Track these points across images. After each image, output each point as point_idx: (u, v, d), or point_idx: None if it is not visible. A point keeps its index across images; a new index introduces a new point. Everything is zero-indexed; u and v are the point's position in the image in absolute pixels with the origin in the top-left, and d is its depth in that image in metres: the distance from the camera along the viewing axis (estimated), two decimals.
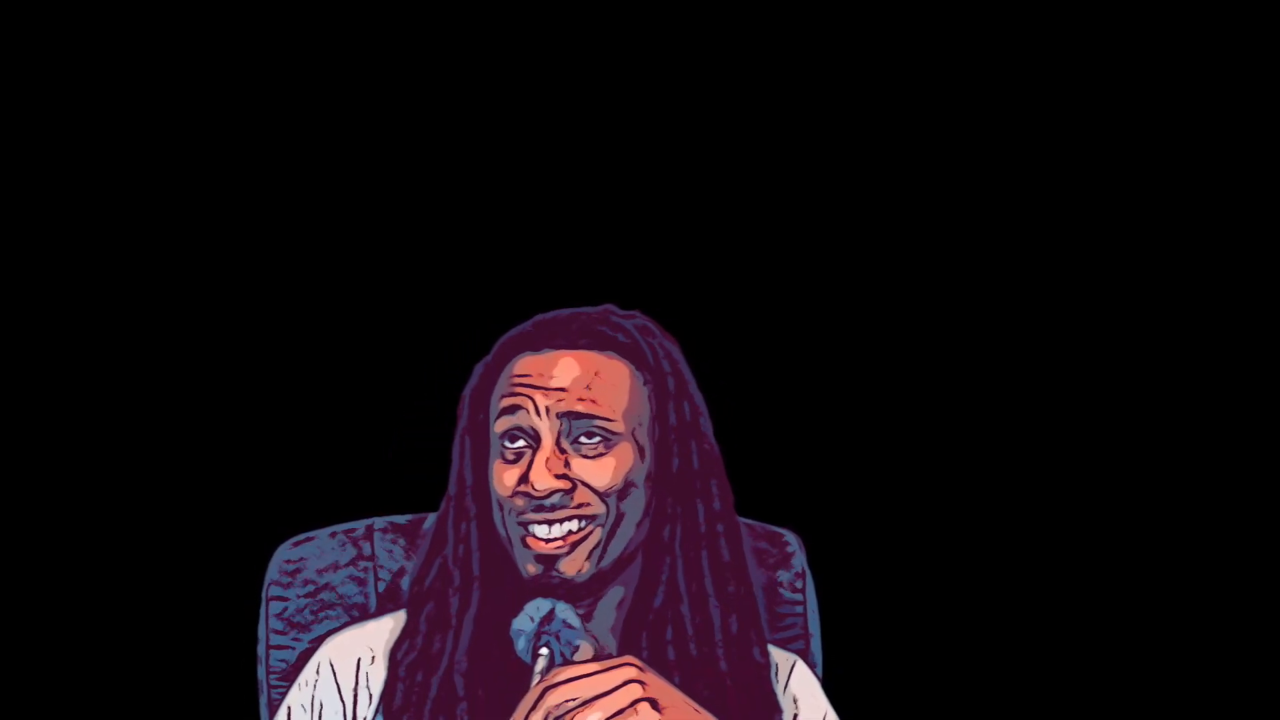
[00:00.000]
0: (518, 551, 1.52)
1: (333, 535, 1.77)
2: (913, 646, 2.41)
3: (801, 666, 1.64)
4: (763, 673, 1.56)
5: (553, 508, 1.50)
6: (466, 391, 1.60)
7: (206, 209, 2.37)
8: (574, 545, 1.50)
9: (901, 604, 2.41)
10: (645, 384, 1.56)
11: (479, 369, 1.60)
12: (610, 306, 1.60)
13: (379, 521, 1.78)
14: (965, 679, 2.40)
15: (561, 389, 1.51)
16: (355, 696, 1.56)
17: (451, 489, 1.59)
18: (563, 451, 1.51)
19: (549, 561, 1.50)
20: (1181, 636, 2.40)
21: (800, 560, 1.78)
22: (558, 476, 1.49)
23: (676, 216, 2.42)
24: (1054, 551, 2.42)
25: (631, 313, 1.60)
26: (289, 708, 1.58)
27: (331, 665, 1.58)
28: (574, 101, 2.41)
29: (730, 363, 2.39)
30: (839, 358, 2.43)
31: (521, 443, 1.52)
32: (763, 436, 2.36)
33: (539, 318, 1.59)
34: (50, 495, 2.34)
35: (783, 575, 1.77)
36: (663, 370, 1.57)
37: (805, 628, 1.77)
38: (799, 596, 1.77)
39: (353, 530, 1.77)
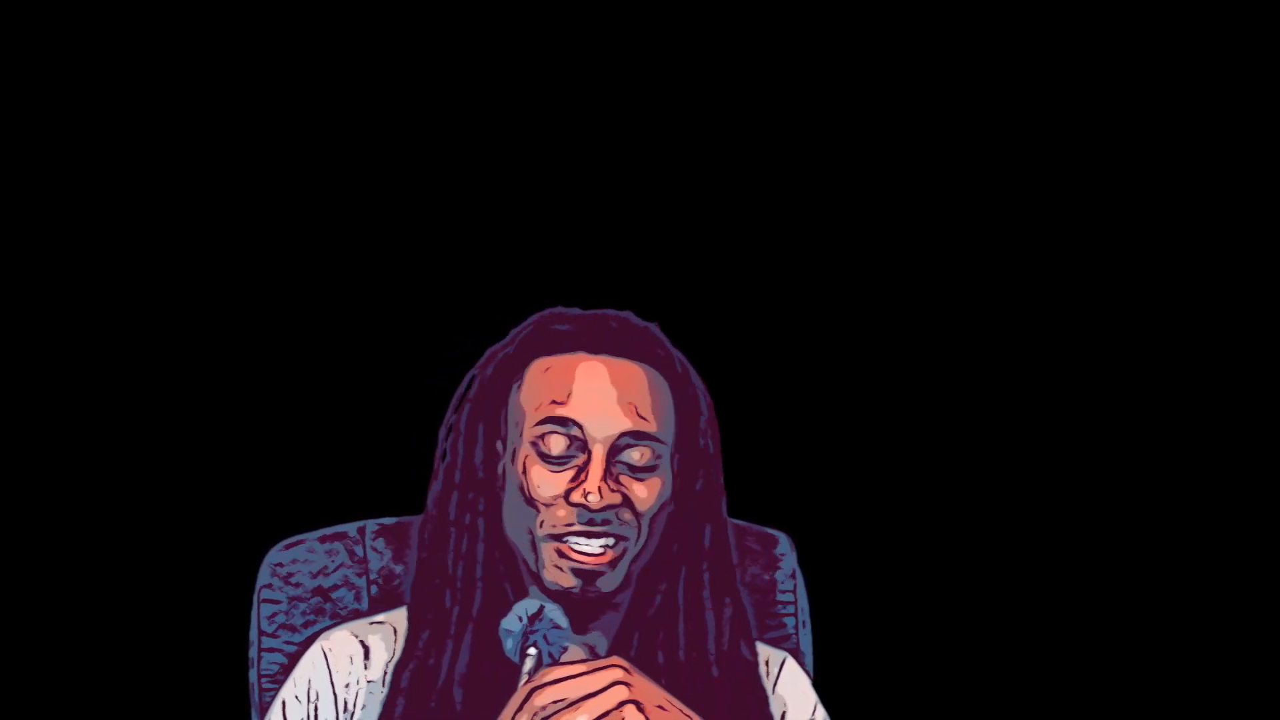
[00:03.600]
0: (548, 559, 1.49)
1: (323, 539, 1.77)
2: (903, 646, 2.41)
3: (791, 663, 1.64)
4: (752, 670, 1.56)
5: (603, 522, 1.48)
6: (486, 372, 1.55)
7: (201, 215, 2.36)
8: (614, 562, 1.49)
9: (892, 604, 2.41)
10: (676, 403, 1.54)
11: (502, 352, 1.55)
12: (630, 313, 1.57)
13: (370, 524, 1.78)
14: (955, 678, 2.41)
15: (621, 404, 1.49)
16: (347, 691, 1.56)
17: (457, 478, 1.55)
18: (614, 468, 1.49)
19: (590, 577, 1.48)
20: (1174, 631, 2.40)
21: (791, 561, 1.79)
22: (612, 490, 1.48)
23: (669, 218, 2.42)
24: (1045, 551, 2.42)
25: (651, 323, 1.58)
26: (284, 701, 1.57)
27: (326, 658, 1.57)
28: (566, 101, 2.41)
29: (722, 364, 2.39)
30: (830, 360, 2.43)
31: (569, 451, 1.49)
32: (754, 438, 2.36)
33: (554, 313, 1.56)
34: (43, 498, 2.33)
35: (774, 576, 1.77)
36: (696, 391, 1.56)
37: (796, 628, 1.77)
38: (790, 597, 1.78)
39: (343, 533, 1.77)
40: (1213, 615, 2.40)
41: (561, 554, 1.49)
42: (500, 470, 1.54)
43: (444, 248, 2.40)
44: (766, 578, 1.77)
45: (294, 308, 2.37)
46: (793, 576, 1.78)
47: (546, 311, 1.58)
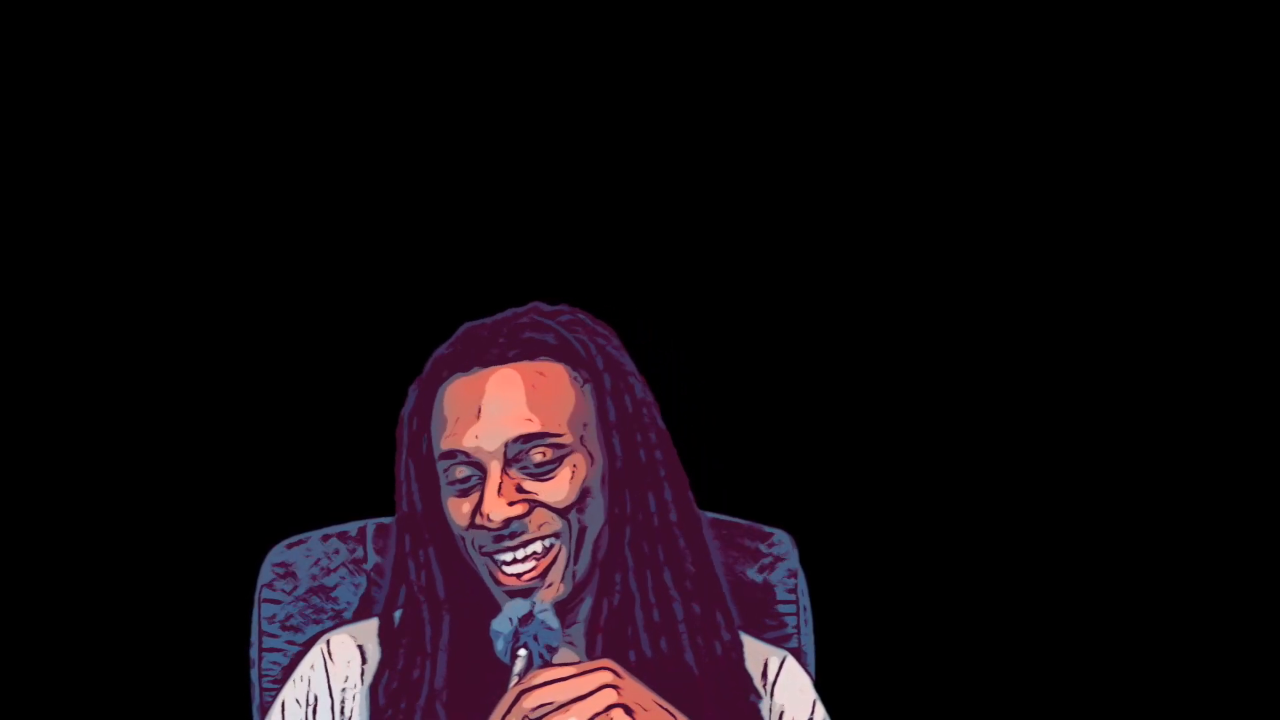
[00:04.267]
0: (491, 586, 1.49)
1: (325, 538, 1.76)
2: (905, 645, 2.40)
3: (791, 662, 1.63)
4: (732, 653, 1.54)
5: (513, 534, 1.47)
6: (404, 414, 1.55)
7: (199, 215, 2.36)
8: (545, 571, 1.48)
9: (894, 603, 2.41)
10: (585, 382, 1.52)
11: (414, 390, 1.55)
12: (536, 305, 1.56)
13: (371, 523, 1.78)
14: (957, 678, 2.40)
15: (499, 415, 1.47)
16: (344, 694, 1.56)
17: (403, 515, 1.55)
18: (513, 475, 1.47)
19: (526, 594, 1.48)
20: (1174, 629, 2.40)
21: (792, 559, 1.78)
22: (511, 503, 1.46)
23: (667, 218, 2.42)
24: (1046, 550, 2.42)
25: (559, 308, 1.56)
26: (283, 702, 1.57)
27: (325, 661, 1.57)
28: (570, 102, 2.41)
29: (722, 364, 2.39)
30: (830, 359, 2.43)
31: (469, 474, 1.48)
32: (755, 437, 2.36)
33: (465, 329, 1.55)
34: (44, 497, 2.33)
35: (775, 575, 1.77)
36: (596, 366, 1.52)
37: (798, 627, 1.77)
38: (791, 596, 1.77)
39: (345, 532, 1.77)
40: (1213, 615, 2.40)
41: (497, 580, 1.49)
42: (439, 498, 1.54)
43: (443, 248, 2.39)
44: (767, 576, 1.77)
45: (295, 308, 2.37)
46: (794, 575, 1.78)
47: (458, 330, 1.57)
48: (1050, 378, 2.43)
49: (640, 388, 1.55)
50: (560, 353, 1.52)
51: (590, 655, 1.53)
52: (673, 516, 1.54)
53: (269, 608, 1.73)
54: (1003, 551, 2.41)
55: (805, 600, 1.78)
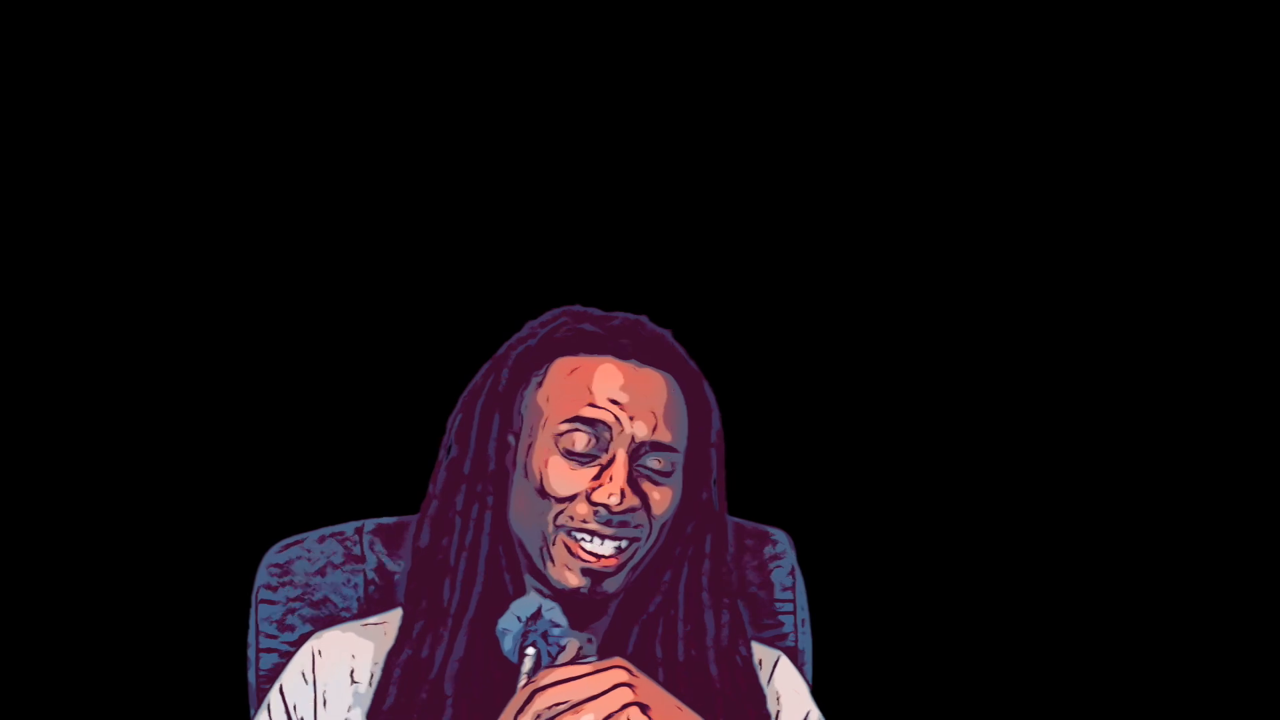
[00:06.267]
0: (558, 555, 1.49)
1: (322, 539, 1.76)
2: (902, 645, 2.41)
3: (785, 662, 1.64)
4: (749, 668, 1.56)
5: (621, 524, 1.49)
6: (505, 365, 1.56)
7: (200, 216, 2.36)
8: (623, 565, 1.50)
9: (891, 603, 2.41)
10: (690, 413, 1.56)
11: (522, 346, 1.56)
12: (645, 319, 1.58)
13: (368, 524, 1.78)
14: (954, 677, 2.41)
15: (651, 413, 1.50)
16: (329, 692, 1.55)
17: (466, 468, 1.55)
18: (634, 470, 1.50)
19: (598, 578, 1.49)
20: (1174, 625, 2.40)
21: (790, 559, 1.78)
22: (632, 495, 1.48)
23: (667, 217, 2.42)
24: (1044, 550, 2.42)
25: (665, 329, 1.59)
26: (269, 704, 1.57)
27: (314, 659, 1.57)
28: (572, 102, 2.41)
29: (721, 363, 2.39)
30: (829, 358, 2.43)
31: (590, 451, 1.49)
32: (753, 436, 2.36)
33: (599, 316, 1.56)
34: (40, 497, 2.33)
35: (773, 575, 1.77)
36: (709, 403, 1.58)
37: (795, 626, 1.77)
38: (789, 595, 1.77)
39: (341, 533, 1.77)
40: (1212, 615, 2.40)
41: (571, 551, 1.49)
42: (509, 463, 1.54)
43: (443, 248, 2.39)
44: (764, 576, 1.77)
45: (294, 308, 2.37)
46: (792, 574, 1.78)
47: (567, 309, 1.58)
48: (1048, 376, 2.43)
49: (720, 429, 1.60)
50: (687, 378, 1.56)
51: (608, 648, 1.54)
52: (722, 551, 1.58)
53: (266, 608, 1.73)
54: (1001, 551, 2.42)
55: (803, 600, 1.78)
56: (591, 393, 1.50)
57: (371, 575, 1.75)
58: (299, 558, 1.75)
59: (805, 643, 1.77)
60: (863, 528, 2.41)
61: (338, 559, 1.75)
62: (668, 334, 1.58)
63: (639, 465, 1.50)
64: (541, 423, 1.52)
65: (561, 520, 1.49)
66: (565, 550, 1.49)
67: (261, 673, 1.72)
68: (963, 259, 2.43)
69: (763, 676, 1.61)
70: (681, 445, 1.53)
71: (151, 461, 2.35)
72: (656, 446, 1.50)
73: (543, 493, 1.49)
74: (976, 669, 2.41)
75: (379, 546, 1.75)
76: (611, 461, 1.49)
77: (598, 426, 1.49)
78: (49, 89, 2.33)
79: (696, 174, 2.42)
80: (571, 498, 1.49)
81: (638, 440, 1.49)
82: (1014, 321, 2.43)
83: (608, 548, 1.48)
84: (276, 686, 1.58)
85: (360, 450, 2.34)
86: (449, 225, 2.40)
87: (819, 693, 1.66)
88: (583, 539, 1.48)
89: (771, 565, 1.77)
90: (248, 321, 2.37)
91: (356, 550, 1.76)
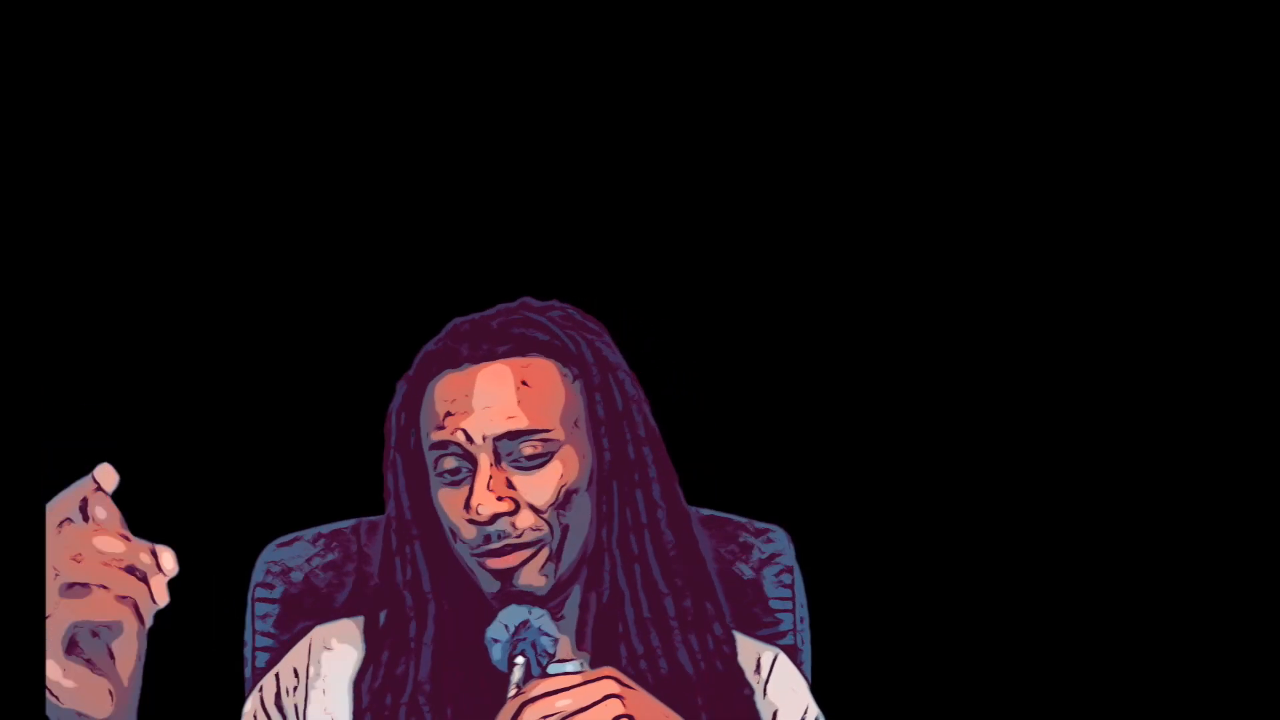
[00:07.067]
0: (478, 575, 1.50)
1: (318, 537, 1.76)
2: (901, 642, 2.40)
3: (784, 660, 1.63)
4: (725, 647, 1.55)
5: (500, 537, 1.47)
6: (392, 410, 1.56)
7: (198, 216, 2.36)
8: (526, 560, 1.48)
9: (890, 600, 2.41)
10: (576, 379, 1.52)
11: (402, 385, 1.56)
12: (526, 300, 1.57)
13: (364, 522, 1.78)
14: (953, 675, 2.40)
15: (488, 409, 1.48)
16: (316, 688, 1.55)
17: (390, 511, 1.56)
18: (503, 469, 1.48)
19: (506, 576, 1.48)
20: (1173, 624, 2.40)
21: (789, 556, 1.78)
22: (499, 499, 1.46)
23: (660, 213, 2.42)
24: (1042, 547, 2.42)
25: (549, 304, 1.57)
26: (260, 696, 1.57)
27: (308, 652, 1.57)
28: (559, 101, 2.40)
29: (718, 360, 2.39)
30: (827, 355, 2.43)
31: (459, 466, 1.49)
32: (751, 433, 2.36)
33: (455, 324, 1.55)
34: (40, 497, 2.32)
35: (771, 571, 1.77)
36: (586, 361, 1.53)
37: (794, 624, 1.76)
38: (787, 593, 1.77)
39: (337, 531, 1.77)
40: (1212, 615, 2.40)
41: (483, 566, 1.49)
42: (428, 494, 1.54)
43: (442, 248, 2.39)
44: (762, 572, 1.76)
45: (292, 308, 2.37)
46: (790, 571, 1.77)
47: (450, 326, 1.57)
48: (1045, 374, 2.43)
49: (630, 384, 1.56)
50: (550, 349, 1.52)
51: (580, 650, 1.53)
52: (660, 513, 1.54)
53: (262, 607, 1.73)
54: (999, 548, 2.41)
55: (801, 597, 1.78)
56: (437, 414, 1.50)
57: (365, 573, 1.74)
58: (296, 555, 1.74)
59: (804, 640, 1.77)
60: (861, 525, 2.40)
61: (335, 557, 1.75)
62: (546, 312, 1.55)
63: (511, 461, 1.48)
64: (425, 452, 1.52)
65: (461, 547, 1.49)
66: (480, 568, 1.49)
67: (258, 670, 1.72)
68: (959, 256, 2.43)
69: (761, 675, 1.60)
70: (550, 422, 1.49)
71: (149, 460, 2.35)
72: (515, 435, 1.47)
73: (445, 522, 1.50)
74: (976, 666, 2.40)
75: (375, 545, 1.75)
76: (475, 471, 1.48)
77: (449, 446, 1.48)
78: (46, 89, 2.33)
79: (692, 169, 2.42)
80: (460, 520, 1.48)
81: (491, 437, 1.47)
82: (1012, 319, 2.43)
83: (515, 559, 1.48)
84: (272, 673, 1.58)
85: (355, 449, 2.34)
86: (449, 225, 2.40)
87: (818, 690, 1.66)
88: (487, 560, 1.48)
89: (770, 563, 1.77)
90: (246, 321, 2.37)
91: (353, 548, 1.76)
